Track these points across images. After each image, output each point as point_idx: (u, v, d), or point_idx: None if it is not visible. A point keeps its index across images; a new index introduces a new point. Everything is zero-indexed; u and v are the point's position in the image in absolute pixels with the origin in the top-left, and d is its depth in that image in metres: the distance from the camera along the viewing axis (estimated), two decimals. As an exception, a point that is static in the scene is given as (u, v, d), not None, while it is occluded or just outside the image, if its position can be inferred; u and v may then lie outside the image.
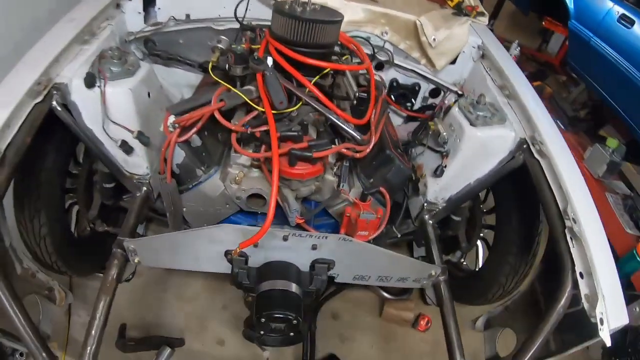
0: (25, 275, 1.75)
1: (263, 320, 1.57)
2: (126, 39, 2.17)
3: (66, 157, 2.12)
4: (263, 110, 1.60)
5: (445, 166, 1.92)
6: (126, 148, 1.83)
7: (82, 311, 2.62)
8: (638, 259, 2.77)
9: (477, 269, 2.70)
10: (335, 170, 1.70)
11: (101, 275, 2.53)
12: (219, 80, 1.70)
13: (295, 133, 1.57)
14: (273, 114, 1.56)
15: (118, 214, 2.53)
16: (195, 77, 2.35)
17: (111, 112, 1.75)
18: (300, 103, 1.68)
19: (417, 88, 2.40)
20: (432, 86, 2.41)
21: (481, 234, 2.56)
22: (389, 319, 2.84)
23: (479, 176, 1.95)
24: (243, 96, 1.60)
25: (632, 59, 3.39)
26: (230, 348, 2.65)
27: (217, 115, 1.57)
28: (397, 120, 2.55)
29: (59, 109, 1.69)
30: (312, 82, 1.72)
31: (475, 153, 1.88)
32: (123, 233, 1.87)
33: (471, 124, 1.83)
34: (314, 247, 1.65)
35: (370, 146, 1.69)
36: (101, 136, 1.81)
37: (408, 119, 2.48)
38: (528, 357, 1.54)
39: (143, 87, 1.84)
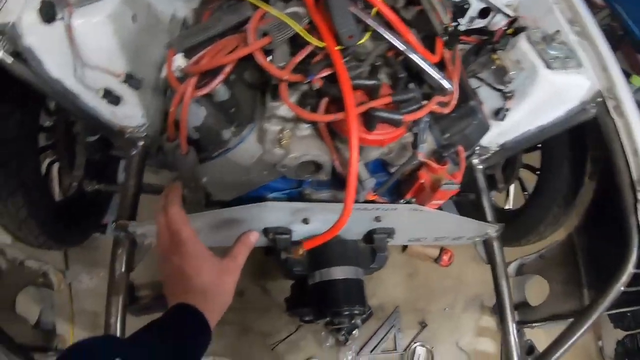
0: (12, 269, 1.45)
1: (327, 318, 1.31)
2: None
3: (33, 114, 1.64)
4: (321, 45, 1.12)
5: (508, 109, 1.60)
6: (112, 98, 1.33)
7: (83, 275, 2.38)
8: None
9: (507, 208, 2.56)
10: (410, 125, 1.28)
11: (98, 234, 2.27)
12: None
13: (373, 82, 1.12)
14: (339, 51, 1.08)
15: (108, 165, 2.11)
16: (193, -14, 1.76)
17: (85, 53, 1.23)
18: (369, 34, 1.19)
19: (465, 7, 1.92)
20: (482, 5, 1.94)
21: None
22: (412, 254, 2.74)
23: (542, 124, 1.67)
24: (296, 26, 1.09)
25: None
26: (252, 298, 2.48)
27: (261, 60, 1.08)
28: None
29: (8, 60, 1.17)
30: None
31: (546, 99, 1.57)
32: (123, 207, 1.46)
33: (546, 66, 1.50)
34: (377, 219, 1.35)
35: (456, 95, 1.28)
36: (75, 87, 1.30)
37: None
38: (582, 331, 1.45)
39: (125, 9, 1.30)
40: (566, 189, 1.99)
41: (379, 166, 1.42)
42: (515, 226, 2.22)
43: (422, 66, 1.21)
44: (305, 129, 1.25)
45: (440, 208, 2.08)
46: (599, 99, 1.56)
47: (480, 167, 1.80)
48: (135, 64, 1.36)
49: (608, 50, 1.61)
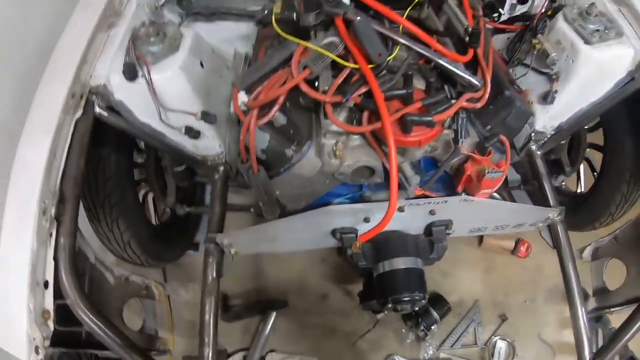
0: (119, 284, 1.68)
1: (389, 305, 1.46)
2: (156, 5, 1.81)
3: (127, 153, 1.98)
4: (355, 67, 1.30)
5: (556, 91, 1.64)
6: (192, 134, 1.62)
7: (180, 289, 2.67)
8: None
9: (579, 192, 2.50)
10: (449, 123, 1.40)
11: (191, 252, 2.56)
12: (291, 38, 1.39)
13: (404, 92, 1.28)
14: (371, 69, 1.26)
15: (196, 190, 2.40)
16: (247, 26, 1.97)
17: (165, 100, 1.52)
18: (398, 48, 1.35)
19: (502, -4, 1.98)
20: (517, -10, 1.99)
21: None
22: (489, 248, 2.74)
23: (593, 100, 1.67)
24: (331, 55, 1.29)
25: None
26: (335, 301, 2.63)
27: (305, 88, 1.29)
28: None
29: (105, 114, 1.47)
30: (404, 18, 1.38)
31: (592, 76, 1.60)
32: (211, 224, 1.71)
33: (586, 42, 1.53)
34: (431, 212, 1.47)
35: (488, 90, 1.38)
36: (161, 128, 1.60)
37: (494, 32, 2.09)
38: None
39: (193, 59, 1.57)
40: (632, 165, 1.94)
41: (431, 163, 1.53)
42: (586, 209, 2.19)
43: (449, 68, 1.34)
44: (356, 140, 1.42)
45: (506, 198, 2.10)
46: (646, 66, 1.53)
47: (539, 152, 1.82)
48: (208, 102, 1.63)
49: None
